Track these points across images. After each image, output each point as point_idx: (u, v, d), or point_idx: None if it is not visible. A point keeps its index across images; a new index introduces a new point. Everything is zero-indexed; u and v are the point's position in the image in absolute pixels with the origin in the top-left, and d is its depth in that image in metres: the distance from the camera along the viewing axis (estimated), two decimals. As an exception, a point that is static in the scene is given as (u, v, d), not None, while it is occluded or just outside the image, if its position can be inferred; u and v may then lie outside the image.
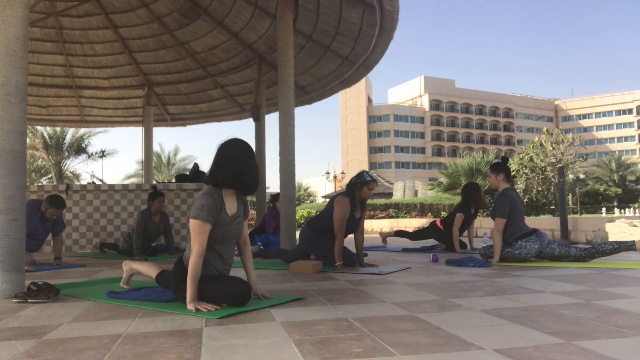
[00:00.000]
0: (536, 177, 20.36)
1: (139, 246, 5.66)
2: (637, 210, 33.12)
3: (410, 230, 7.51)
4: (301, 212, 18.45)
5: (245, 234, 2.77)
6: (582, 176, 31.00)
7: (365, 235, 4.80)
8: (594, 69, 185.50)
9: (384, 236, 6.69)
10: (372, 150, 69.74)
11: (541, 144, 22.12)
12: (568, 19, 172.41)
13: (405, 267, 4.14)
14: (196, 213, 2.46)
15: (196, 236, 2.45)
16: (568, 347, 1.66)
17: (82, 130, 27.20)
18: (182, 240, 7.36)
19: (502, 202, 4.34)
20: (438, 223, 6.13)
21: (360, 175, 4.12)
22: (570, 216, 9.23)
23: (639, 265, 3.87)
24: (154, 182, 10.32)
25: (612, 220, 17.14)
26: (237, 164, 2.53)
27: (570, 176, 24.87)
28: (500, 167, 4.56)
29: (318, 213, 4.50)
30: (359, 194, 4.11)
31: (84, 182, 24.71)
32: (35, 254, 6.79)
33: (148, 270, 3.00)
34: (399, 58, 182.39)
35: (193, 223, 2.47)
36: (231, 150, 2.57)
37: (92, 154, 28.77)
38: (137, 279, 3.74)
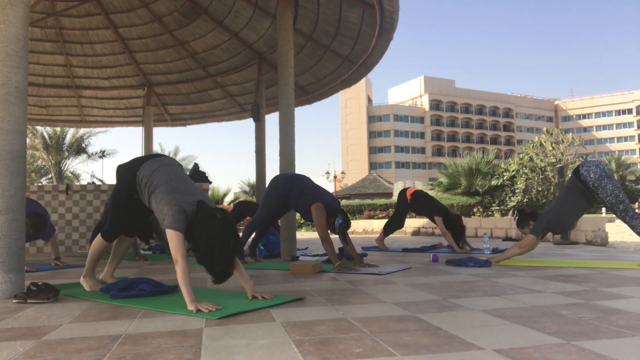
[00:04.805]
0: (536, 177, 20.31)
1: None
2: (637, 210, 33.13)
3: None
4: (301, 212, 18.41)
5: None
6: (582, 176, 30.85)
7: (365, 236, 4.82)
8: (594, 69, 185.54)
9: (380, 241, 6.62)
10: (372, 150, 69.74)
11: (541, 144, 22.06)
12: (568, 18, 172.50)
13: (405, 267, 4.15)
14: (177, 225, 2.55)
15: (178, 244, 2.54)
16: (568, 348, 1.66)
17: (82, 130, 27.18)
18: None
19: (539, 219, 4.23)
20: (408, 194, 6.26)
21: (337, 218, 4.14)
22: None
23: (637, 265, 3.87)
24: None
25: (612, 220, 17.12)
26: (219, 250, 2.50)
27: (570, 176, 24.78)
28: (524, 219, 4.45)
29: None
30: (328, 224, 4.20)
31: (84, 182, 24.72)
32: (36, 255, 6.79)
33: (96, 248, 3.15)
34: (399, 58, 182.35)
35: (173, 234, 2.54)
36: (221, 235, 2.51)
37: (92, 154, 28.76)
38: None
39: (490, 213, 18.46)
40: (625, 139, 75.60)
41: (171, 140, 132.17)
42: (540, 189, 20.05)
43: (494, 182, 20.23)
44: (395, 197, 26.36)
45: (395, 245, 6.87)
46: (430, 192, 24.42)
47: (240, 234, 3.57)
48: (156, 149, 38.49)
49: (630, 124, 75.48)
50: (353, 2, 6.66)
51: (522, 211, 4.62)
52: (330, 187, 35.79)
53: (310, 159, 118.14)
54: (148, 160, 2.93)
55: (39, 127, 25.34)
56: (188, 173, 8.41)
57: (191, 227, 2.55)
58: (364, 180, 33.69)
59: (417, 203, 6.25)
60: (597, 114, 78.07)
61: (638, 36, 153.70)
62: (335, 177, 38.08)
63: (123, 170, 2.99)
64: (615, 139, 76.18)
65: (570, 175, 4.32)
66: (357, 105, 68.45)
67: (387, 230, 6.58)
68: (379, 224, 13.89)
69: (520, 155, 22.20)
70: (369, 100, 72.61)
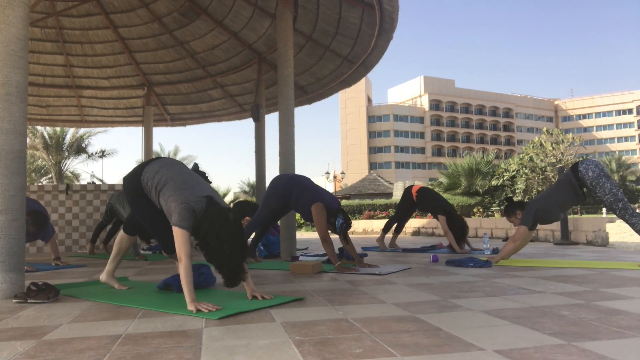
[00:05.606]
0: (536, 177, 20.33)
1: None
2: (637, 210, 33.09)
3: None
4: (301, 212, 18.41)
5: None
6: (582, 176, 30.82)
7: (365, 236, 4.83)
8: (594, 69, 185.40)
9: (380, 241, 6.59)
10: (372, 150, 69.75)
11: (541, 144, 22.08)
12: (568, 18, 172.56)
13: (405, 268, 4.14)
14: (183, 224, 2.54)
15: (183, 242, 2.53)
16: (569, 348, 1.66)
17: (82, 130, 27.19)
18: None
19: (527, 208, 4.26)
20: (414, 192, 6.25)
21: (338, 219, 4.16)
22: (570, 216, 9.22)
23: (638, 265, 3.87)
24: None
25: (612, 220, 17.09)
26: (230, 250, 2.48)
27: (570, 176, 24.66)
28: (511, 208, 4.50)
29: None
30: (327, 223, 4.21)
31: (84, 182, 24.70)
32: (36, 255, 6.79)
33: (122, 245, 3.17)
34: (399, 58, 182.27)
35: (179, 231, 2.53)
36: (232, 236, 2.50)
37: (92, 154, 28.77)
38: (138, 280, 3.73)
39: (490, 213, 18.46)
40: (626, 139, 75.60)
41: (171, 140, 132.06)
42: (540, 189, 20.05)
43: (494, 182, 20.24)
44: (395, 198, 26.42)
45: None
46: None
47: None
48: (156, 149, 38.47)
49: (630, 124, 75.48)
50: (353, 2, 6.65)
51: (510, 200, 4.63)
52: (330, 187, 35.80)
53: (310, 159, 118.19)
54: (150, 163, 2.94)
55: (39, 127, 25.36)
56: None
57: (200, 223, 2.52)
58: (364, 180, 33.68)
59: (422, 200, 6.24)
60: (597, 114, 78.07)
61: (638, 36, 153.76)
62: (335, 177, 38.08)
63: (127, 181, 2.96)
64: (616, 139, 76.18)
65: (567, 169, 4.32)
66: (357, 105, 68.45)
67: (387, 227, 6.59)
68: (379, 224, 13.88)
69: (520, 156, 22.21)
70: (369, 100, 72.62)
